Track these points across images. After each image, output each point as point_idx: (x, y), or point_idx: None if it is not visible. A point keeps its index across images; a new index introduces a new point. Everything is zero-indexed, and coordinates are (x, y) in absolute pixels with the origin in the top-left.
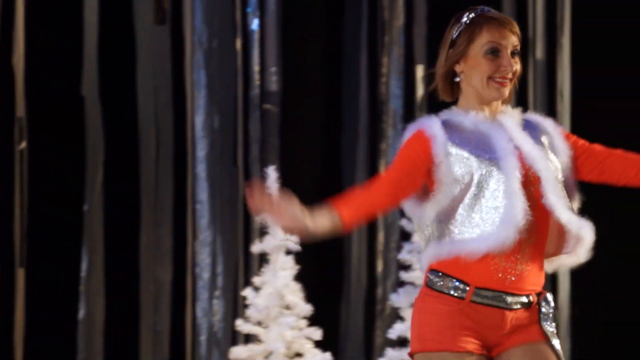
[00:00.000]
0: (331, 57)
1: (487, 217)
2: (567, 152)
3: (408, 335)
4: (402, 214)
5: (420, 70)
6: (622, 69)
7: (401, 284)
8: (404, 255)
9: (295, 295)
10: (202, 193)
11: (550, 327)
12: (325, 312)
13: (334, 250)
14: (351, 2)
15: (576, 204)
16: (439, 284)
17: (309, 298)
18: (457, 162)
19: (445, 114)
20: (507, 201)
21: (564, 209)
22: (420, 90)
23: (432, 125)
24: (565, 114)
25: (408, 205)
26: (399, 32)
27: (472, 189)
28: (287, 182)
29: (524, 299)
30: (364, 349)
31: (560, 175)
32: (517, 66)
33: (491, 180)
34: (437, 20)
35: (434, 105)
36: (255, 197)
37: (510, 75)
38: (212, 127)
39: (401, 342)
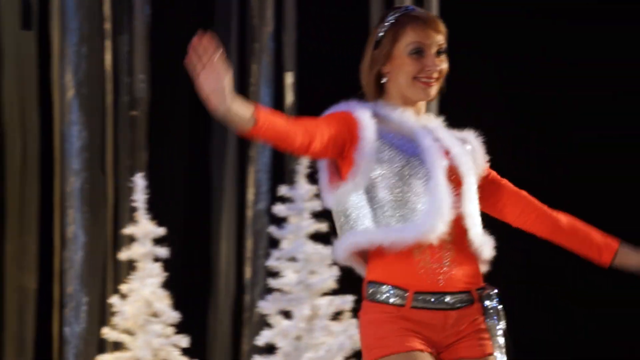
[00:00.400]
0: None
1: (413, 207)
2: (483, 165)
3: (276, 341)
4: (272, 220)
5: (289, 78)
6: None
7: (269, 291)
8: (272, 262)
9: (162, 302)
10: (70, 200)
11: (499, 336)
12: (193, 320)
13: (202, 258)
14: (220, 8)
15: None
16: (377, 294)
17: (176, 305)
18: (383, 150)
19: (372, 105)
20: (433, 193)
21: (474, 220)
22: (289, 97)
23: (361, 110)
24: None
25: (324, 190)
26: (269, 38)
27: (398, 179)
28: (156, 189)
29: (464, 296)
30: (231, 356)
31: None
32: (444, 65)
33: (418, 172)
34: (307, 27)
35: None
36: (199, 49)
37: (435, 75)
38: (80, 133)
39: (269, 349)
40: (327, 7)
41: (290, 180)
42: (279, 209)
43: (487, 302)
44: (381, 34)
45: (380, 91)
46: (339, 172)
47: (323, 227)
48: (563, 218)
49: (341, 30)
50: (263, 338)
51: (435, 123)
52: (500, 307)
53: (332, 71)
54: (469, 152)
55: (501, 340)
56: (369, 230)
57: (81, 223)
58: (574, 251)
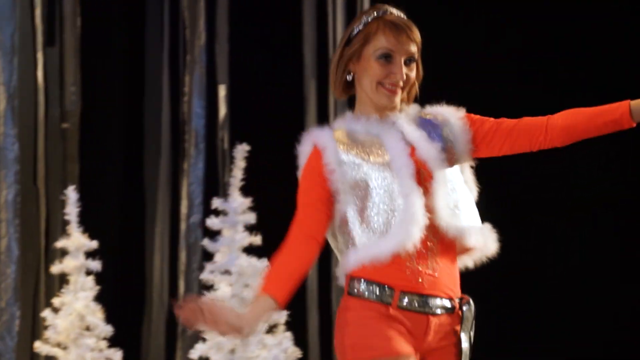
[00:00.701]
0: (133, 75)
1: (386, 220)
2: (467, 137)
3: (210, 355)
4: (205, 233)
5: (222, 90)
6: None
7: None
8: (206, 275)
9: (95, 316)
10: (3, 212)
11: (466, 344)
12: (127, 333)
13: (136, 271)
14: (152, 20)
15: (474, 191)
16: (362, 290)
17: (109, 319)
18: (350, 170)
19: (339, 122)
20: (404, 201)
21: (446, 211)
22: (222, 110)
23: (322, 136)
24: None
25: None
26: (201, 51)
27: (369, 193)
28: (88, 202)
29: (447, 303)
30: None
31: (452, 173)
32: (412, 73)
33: (386, 183)
34: (239, 39)
35: (237, 124)
36: (186, 311)
37: (400, 84)
38: (12, 145)
39: None
40: (259, 20)
41: (224, 193)
42: (213, 221)
43: (466, 313)
44: (354, 32)
45: (347, 89)
46: None
47: (257, 240)
48: (565, 111)
49: (273, 42)
50: (197, 351)
51: (406, 117)
52: (473, 317)
53: (264, 83)
54: (449, 135)
55: (467, 351)
56: (352, 251)
57: (14, 236)
58: (598, 126)
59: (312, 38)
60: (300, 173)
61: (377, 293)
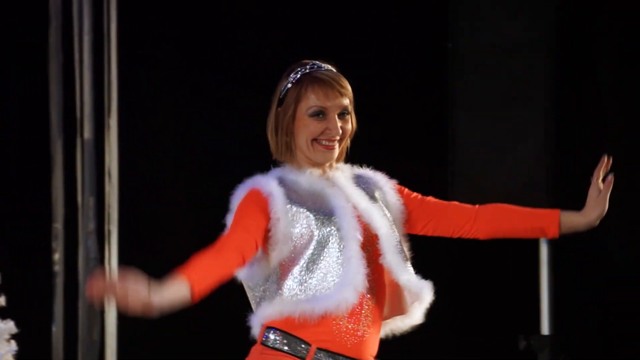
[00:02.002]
0: None
1: (324, 278)
2: (399, 206)
3: None
4: None
5: None
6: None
7: None
8: None
9: None
10: None
11: None
12: None
13: None
14: None
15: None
16: (277, 342)
17: None
18: (297, 220)
19: (278, 172)
20: (346, 262)
21: (403, 269)
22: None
23: (268, 183)
24: (114, 194)
25: None
26: None
27: (311, 248)
28: None
29: None
30: None
31: (396, 232)
32: (348, 126)
33: (330, 240)
34: None
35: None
36: (94, 285)
37: (337, 138)
38: None
39: None
40: (5, 79)
41: None
42: None
43: None
44: (283, 92)
45: (285, 149)
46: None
47: (1, 301)
48: (496, 206)
49: (20, 99)
50: None
51: (344, 175)
52: None
53: (10, 141)
54: (379, 197)
55: None
56: (281, 302)
57: None
58: (525, 230)
59: (59, 97)
60: (238, 203)
61: (292, 346)
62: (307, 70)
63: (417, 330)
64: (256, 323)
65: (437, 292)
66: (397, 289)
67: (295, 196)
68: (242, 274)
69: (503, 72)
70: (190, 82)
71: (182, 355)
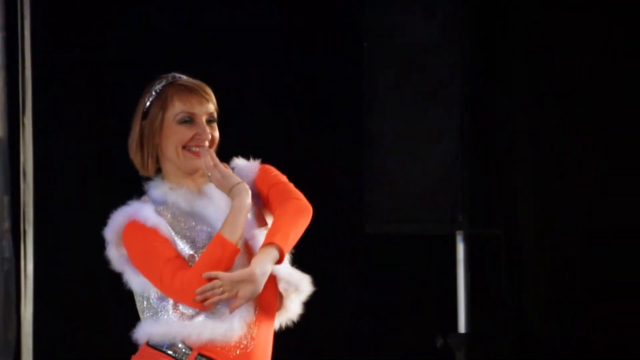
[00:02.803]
0: None
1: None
2: (258, 198)
3: None
4: None
5: None
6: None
7: None
8: None
9: None
10: None
11: None
12: None
13: None
14: None
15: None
16: (160, 343)
17: None
18: (180, 243)
19: (153, 192)
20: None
21: (282, 267)
22: None
23: (147, 214)
24: (29, 193)
25: (127, 273)
26: None
27: None
28: None
29: None
30: None
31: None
32: (215, 133)
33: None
34: None
35: None
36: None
37: (206, 144)
38: None
39: None
40: None
41: None
42: None
43: None
44: (148, 104)
45: (151, 163)
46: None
47: None
48: (278, 212)
49: None
50: None
51: (214, 190)
52: None
53: None
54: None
55: None
56: (168, 323)
57: None
58: None
59: None
60: (119, 234)
61: (173, 348)
62: (170, 80)
63: (334, 327)
64: (139, 336)
65: (357, 291)
66: (272, 286)
67: (174, 221)
68: (134, 281)
69: (418, 71)
70: (106, 80)
71: (100, 354)
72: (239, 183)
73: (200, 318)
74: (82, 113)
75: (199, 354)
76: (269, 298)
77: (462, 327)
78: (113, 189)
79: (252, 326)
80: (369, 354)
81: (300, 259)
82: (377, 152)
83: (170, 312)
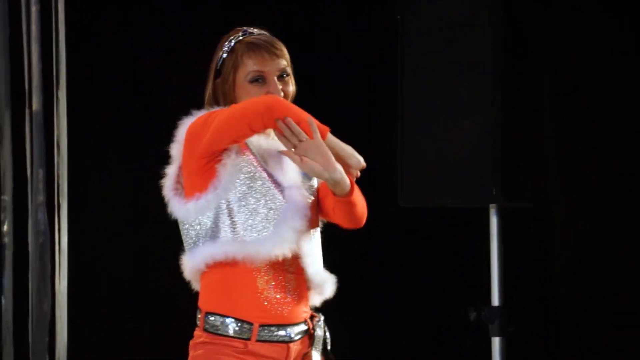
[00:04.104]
0: None
1: (267, 219)
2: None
3: None
4: None
5: None
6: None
7: None
8: None
9: None
10: None
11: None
12: None
13: None
14: None
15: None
16: (219, 327)
17: None
18: (243, 165)
19: None
20: (285, 207)
21: (311, 262)
22: None
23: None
24: (63, 166)
25: (173, 200)
26: None
27: (256, 192)
28: None
29: (303, 327)
30: None
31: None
32: (289, 88)
33: (274, 190)
34: None
35: None
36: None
37: None
38: None
39: None
40: None
41: None
42: None
43: (317, 331)
44: (220, 61)
45: None
46: (194, 182)
47: None
48: None
49: None
50: None
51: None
52: (327, 333)
53: None
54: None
55: None
56: (225, 242)
57: None
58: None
59: (6, 69)
60: (188, 130)
61: (236, 328)
62: (241, 37)
63: (369, 300)
64: (192, 260)
65: (390, 264)
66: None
67: (242, 148)
68: (179, 210)
69: (450, 46)
70: (139, 53)
71: (134, 328)
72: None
73: (253, 237)
74: (116, 86)
75: (261, 325)
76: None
77: (495, 300)
78: (148, 162)
79: (291, 279)
80: (403, 327)
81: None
82: (410, 126)
83: (224, 232)
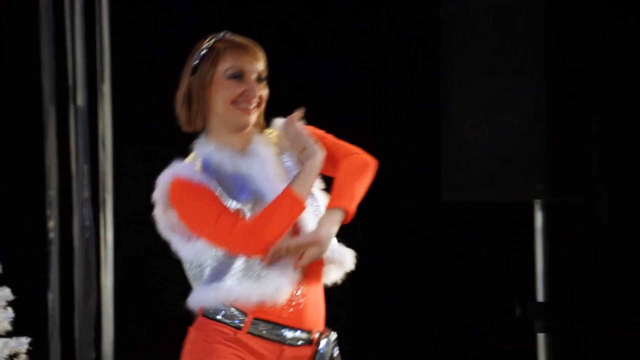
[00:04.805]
0: None
1: (255, 265)
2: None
3: None
4: None
5: None
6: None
7: None
8: None
9: None
10: None
11: None
12: None
13: None
14: None
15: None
16: (214, 312)
17: None
18: (227, 200)
19: (200, 152)
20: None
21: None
22: None
23: (191, 172)
24: (108, 162)
25: (174, 241)
26: None
27: None
28: None
29: (304, 335)
30: None
31: (319, 199)
32: (264, 92)
33: None
34: None
35: None
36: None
37: (255, 102)
38: None
39: None
40: None
41: None
42: None
43: (321, 346)
44: (197, 61)
45: (197, 120)
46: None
47: None
48: (343, 166)
49: (9, 69)
50: None
51: (267, 146)
52: (335, 352)
53: (2, 109)
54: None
55: None
56: (218, 288)
57: None
58: None
59: (51, 64)
60: (166, 195)
61: (230, 315)
62: (221, 37)
63: (411, 294)
64: (193, 304)
65: (434, 258)
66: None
67: (223, 184)
68: (181, 249)
69: (495, 37)
70: (184, 47)
71: (181, 324)
72: (314, 143)
73: (249, 282)
74: (160, 81)
75: (254, 318)
76: (314, 265)
77: (540, 296)
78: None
79: (300, 284)
80: (446, 322)
81: (377, 226)
82: (454, 119)
83: (218, 276)
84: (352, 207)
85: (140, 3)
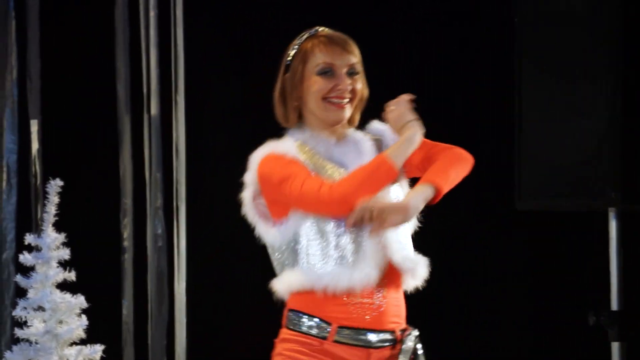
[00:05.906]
0: None
1: (345, 251)
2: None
3: None
4: (18, 269)
5: (34, 125)
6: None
7: (17, 341)
8: (19, 312)
9: None
10: None
11: None
12: None
13: None
14: None
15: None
16: (298, 324)
17: None
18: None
19: (297, 134)
20: (365, 238)
21: (398, 248)
22: (35, 145)
23: (286, 147)
24: (181, 170)
25: (260, 224)
26: (12, 85)
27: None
28: None
29: (388, 336)
30: None
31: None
32: (358, 85)
33: None
34: (51, 74)
35: (50, 159)
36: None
37: (347, 96)
38: None
39: None
40: (71, 55)
41: (37, 229)
42: (26, 258)
43: (407, 344)
44: (289, 58)
45: (292, 116)
46: (276, 209)
47: (71, 275)
48: (440, 156)
49: (86, 77)
50: None
51: (363, 138)
52: (419, 349)
53: (77, 118)
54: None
55: None
56: (306, 271)
57: None
58: None
59: (125, 74)
60: (261, 165)
61: (314, 327)
62: (312, 34)
63: (485, 303)
64: (279, 288)
65: (507, 267)
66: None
67: (316, 167)
68: (266, 234)
69: (568, 45)
70: (257, 57)
71: (255, 331)
72: (415, 119)
73: (335, 267)
74: (233, 90)
75: (339, 327)
76: (392, 267)
77: (614, 305)
78: None
79: (380, 286)
80: (519, 331)
81: (452, 236)
82: (527, 127)
83: (308, 260)
84: (445, 187)
85: (215, 13)
